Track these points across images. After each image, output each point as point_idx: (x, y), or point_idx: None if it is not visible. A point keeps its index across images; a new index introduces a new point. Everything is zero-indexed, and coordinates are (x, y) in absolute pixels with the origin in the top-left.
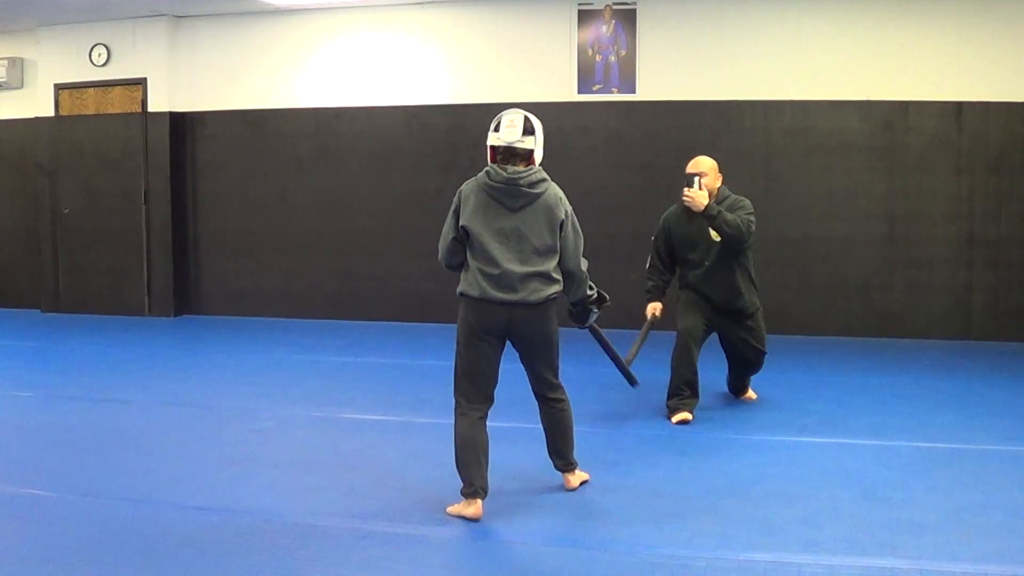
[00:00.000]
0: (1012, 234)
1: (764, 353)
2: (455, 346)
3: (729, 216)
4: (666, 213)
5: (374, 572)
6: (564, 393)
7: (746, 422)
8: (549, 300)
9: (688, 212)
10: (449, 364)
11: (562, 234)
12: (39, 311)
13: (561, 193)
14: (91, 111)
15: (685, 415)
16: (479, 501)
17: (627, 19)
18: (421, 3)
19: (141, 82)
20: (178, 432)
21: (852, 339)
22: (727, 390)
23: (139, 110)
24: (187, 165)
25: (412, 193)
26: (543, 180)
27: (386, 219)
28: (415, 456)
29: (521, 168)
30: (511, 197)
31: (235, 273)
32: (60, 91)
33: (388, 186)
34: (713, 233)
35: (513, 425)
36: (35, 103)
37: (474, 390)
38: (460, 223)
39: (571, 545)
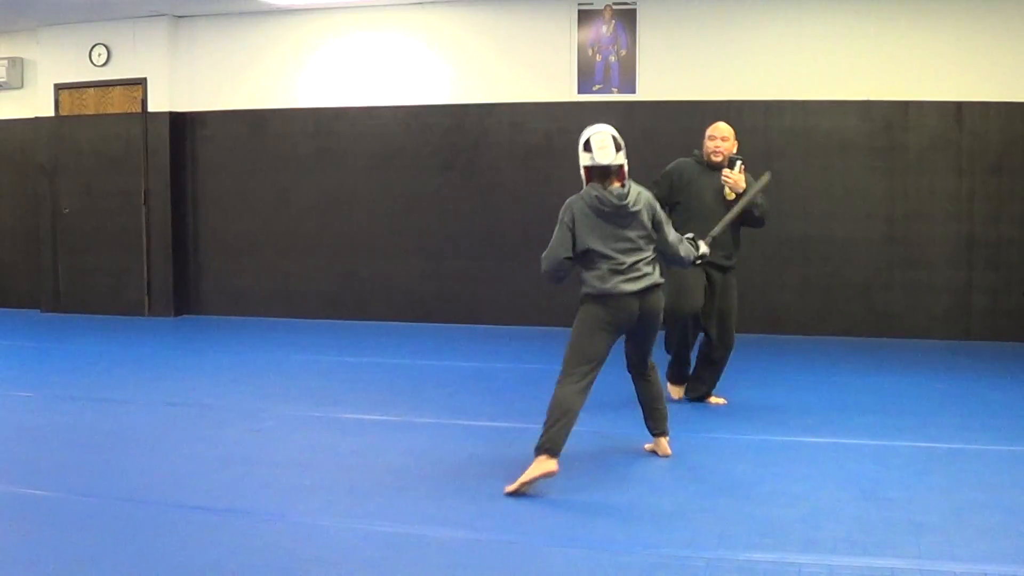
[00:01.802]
0: (1012, 234)
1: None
2: (574, 334)
3: (762, 200)
4: (677, 164)
5: (374, 572)
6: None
7: (746, 422)
8: (659, 284)
9: (708, 167)
10: (449, 364)
11: (655, 225)
12: (39, 311)
13: (648, 193)
14: (91, 111)
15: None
16: (555, 460)
17: (627, 19)
18: (421, 3)
19: (141, 82)
20: (178, 432)
21: (852, 339)
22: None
23: (139, 110)
24: (187, 165)
25: (412, 193)
26: (638, 193)
27: (386, 219)
28: (415, 456)
29: (620, 188)
30: (622, 218)
31: (235, 273)
32: (60, 91)
33: (388, 186)
34: (728, 192)
35: (514, 425)
36: (35, 103)
37: (589, 369)
38: (578, 246)
39: (571, 545)
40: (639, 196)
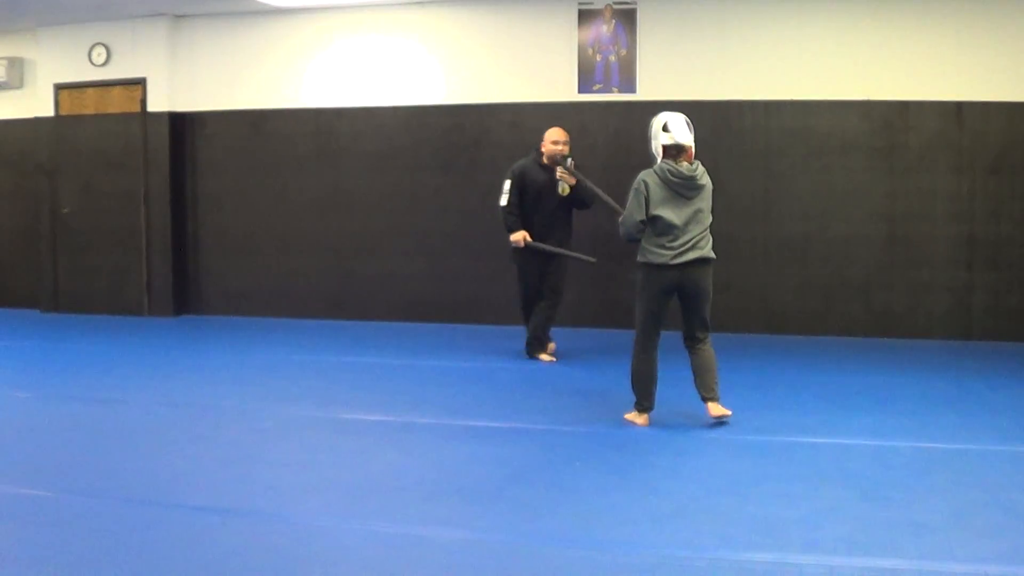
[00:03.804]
0: (1012, 234)
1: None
2: (640, 304)
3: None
4: (524, 164)
5: (374, 572)
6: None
7: (746, 422)
8: (713, 257)
9: (546, 167)
10: (449, 365)
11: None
12: (39, 311)
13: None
14: (91, 111)
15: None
16: (647, 415)
17: (627, 19)
18: (421, 3)
19: (141, 82)
20: (178, 432)
21: (852, 339)
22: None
23: (139, 110)
24: (187, 165)
25: (412, 193)
26: (704, 171)
27: (386, 219)
28: (415, 456)
29: (690, 164)
30: (690, 189)
31: (235, 273)
32: (60, 91)
33: (388, 186)
34: (562, 188)
35: (514, 426)
36: (35, 103)
37: (656, 335)
38: (650, 212)
39: (571, 545)
40: (705, 174)
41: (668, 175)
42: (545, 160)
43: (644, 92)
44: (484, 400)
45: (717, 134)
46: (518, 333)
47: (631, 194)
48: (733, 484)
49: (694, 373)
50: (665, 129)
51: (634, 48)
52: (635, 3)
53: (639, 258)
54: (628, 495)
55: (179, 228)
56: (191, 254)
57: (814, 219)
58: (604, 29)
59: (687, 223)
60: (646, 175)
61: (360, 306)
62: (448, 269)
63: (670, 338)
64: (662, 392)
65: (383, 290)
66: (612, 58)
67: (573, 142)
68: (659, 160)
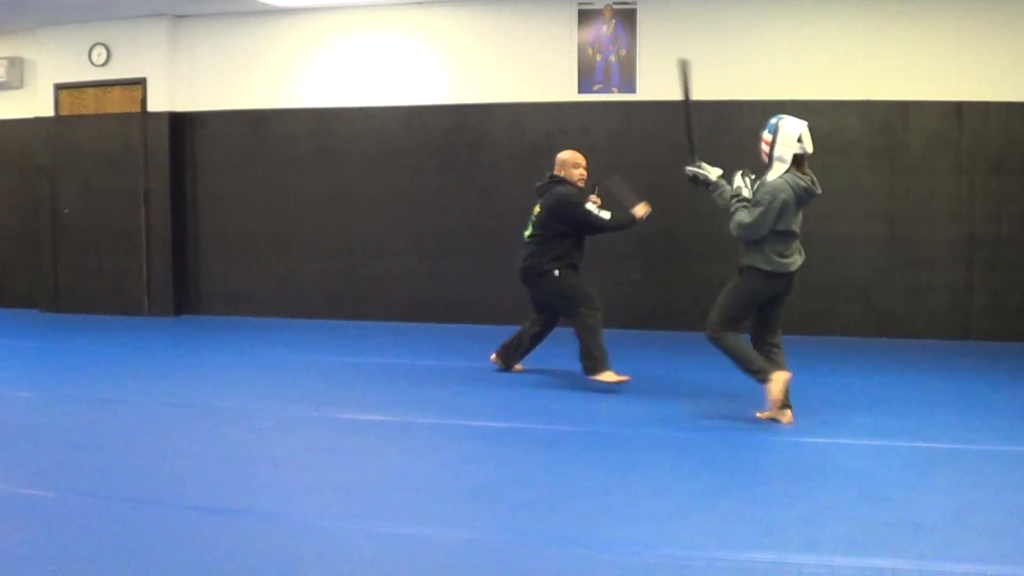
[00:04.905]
0: (1012, 234)
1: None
2: (743, 301)
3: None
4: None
5: (374, 572)
6: None
7: (746, 422)
8: None
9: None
10: (450, 365)
11: None
12: (39, 311)
13: None
14: (91, 111)
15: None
16: (781, 372)
17: (627, 19)
18: (421, 3)
19: (141, 82)
20: (178, 432)
21: (852, 339)
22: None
23: (139, 110)
24: (187, 165)
25: (412, 193)
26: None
27: (386, 219)
28: (415, 456)
29: (811, 174)
30: (806, 203)
31: (235, 273)
32: (60, 91)
33: (388, 186)
34: (536, 208)
35: (514, 426)
36: (35, 103)
37: (740, 325)
38: (779, 225)
39: (571, 545)
40: None
41: (804, 193)
42: (581, 184)
43: (644, 92)
44: (484, 400)
45: (717, 134)
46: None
47: (767, 206)
48: (733, 484)
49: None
50: (800, 140)
51: (634, 48)
52: (635, 3)
53: (752, 262)
54: (628, 495)
55: (179, 228)
56: (191, 254)
57: (814, 219)
58: (604, 29)
59: (798, 229)
60: (784, 191)
61: (360, 306)
62: (448, 269)
63: (673, 338)
64: (659, 393)
65: (383, 290)
66: (612, 58)
67: (573, 142)
68: (778, 165)
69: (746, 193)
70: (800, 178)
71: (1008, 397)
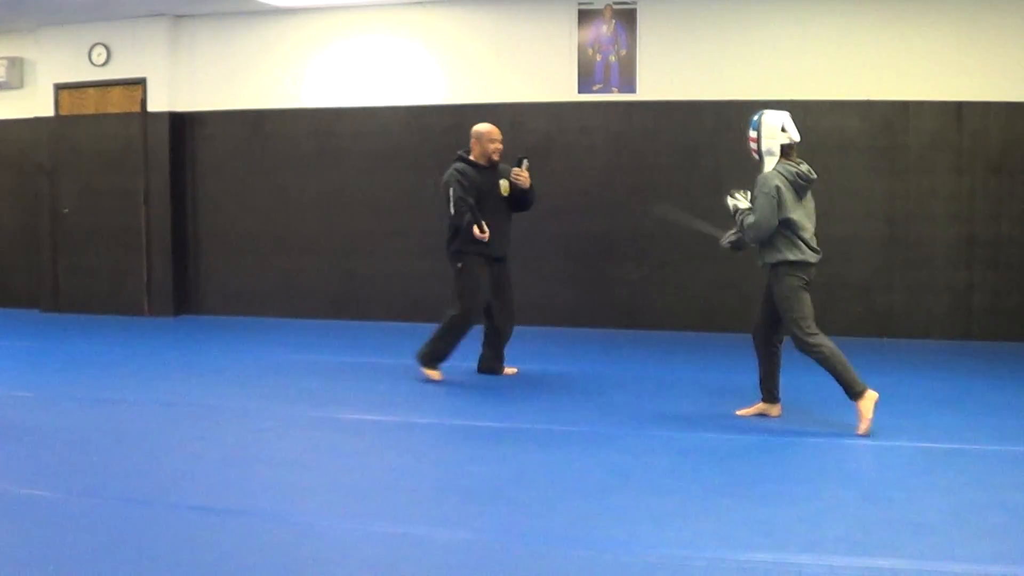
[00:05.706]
0: (1012, 234)
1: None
2: (796, 298)
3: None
4: (461, 168)
5: (374, 572)
6: None
7: (746, 422)
8: None
9: (483, 168)
10: (449, 365)
11: None
12: (39, 311)
13: None
14: (91, 111)
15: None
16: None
17: (627, 19)
18: (421, 3)
19: (141, 82)
20: (178, 432)
21: (852, 339)
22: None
23: (139, 110)
24: (187, 165)
25: (412, 193)
26: None
27: (386, 219)
28: (415, 456)
29: (804, 163)
30: (806, 190)
31: (235, 273)
32: (60, 91)
33: (388, 186)
34: (503, 186)
35: (514, 426)
36: (35, 103)
37: (814, 320)
38: (783, 215)
39: (571, 545)
40: None
41: (797, 178)
42: (484, 161)
43: (644, 92)
44: (484, 400)
45: (717, 134)
46: (518, 333)
47: (763, 199)
48: (733, 484)
49: (774, 374)
50: (783, 129)
51: (634, 48)
52: (635, 3)
53: (782, 257)
54: (628, 495)
55: (179, 228)
56: (191, 254)
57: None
58: (604, 29)
59: (811, 222)
60: (775, 178)
61: (360, 306)
62: (448, 269)
63: (673, 339)
64: (659, 393)
65: (383, 290)
66: (612, 58)
67: (573, 142)
68: (769, 158)
69: (744, 204)
70: (790, 164)
71: (1008, 397)
